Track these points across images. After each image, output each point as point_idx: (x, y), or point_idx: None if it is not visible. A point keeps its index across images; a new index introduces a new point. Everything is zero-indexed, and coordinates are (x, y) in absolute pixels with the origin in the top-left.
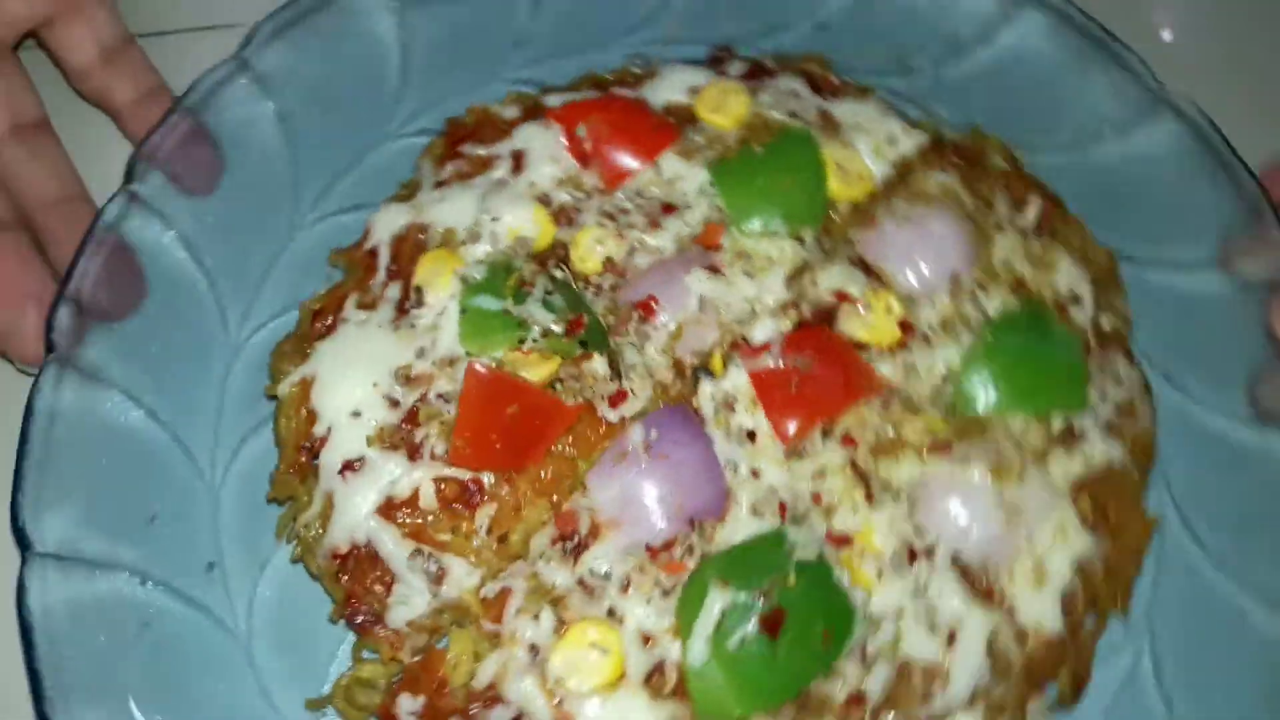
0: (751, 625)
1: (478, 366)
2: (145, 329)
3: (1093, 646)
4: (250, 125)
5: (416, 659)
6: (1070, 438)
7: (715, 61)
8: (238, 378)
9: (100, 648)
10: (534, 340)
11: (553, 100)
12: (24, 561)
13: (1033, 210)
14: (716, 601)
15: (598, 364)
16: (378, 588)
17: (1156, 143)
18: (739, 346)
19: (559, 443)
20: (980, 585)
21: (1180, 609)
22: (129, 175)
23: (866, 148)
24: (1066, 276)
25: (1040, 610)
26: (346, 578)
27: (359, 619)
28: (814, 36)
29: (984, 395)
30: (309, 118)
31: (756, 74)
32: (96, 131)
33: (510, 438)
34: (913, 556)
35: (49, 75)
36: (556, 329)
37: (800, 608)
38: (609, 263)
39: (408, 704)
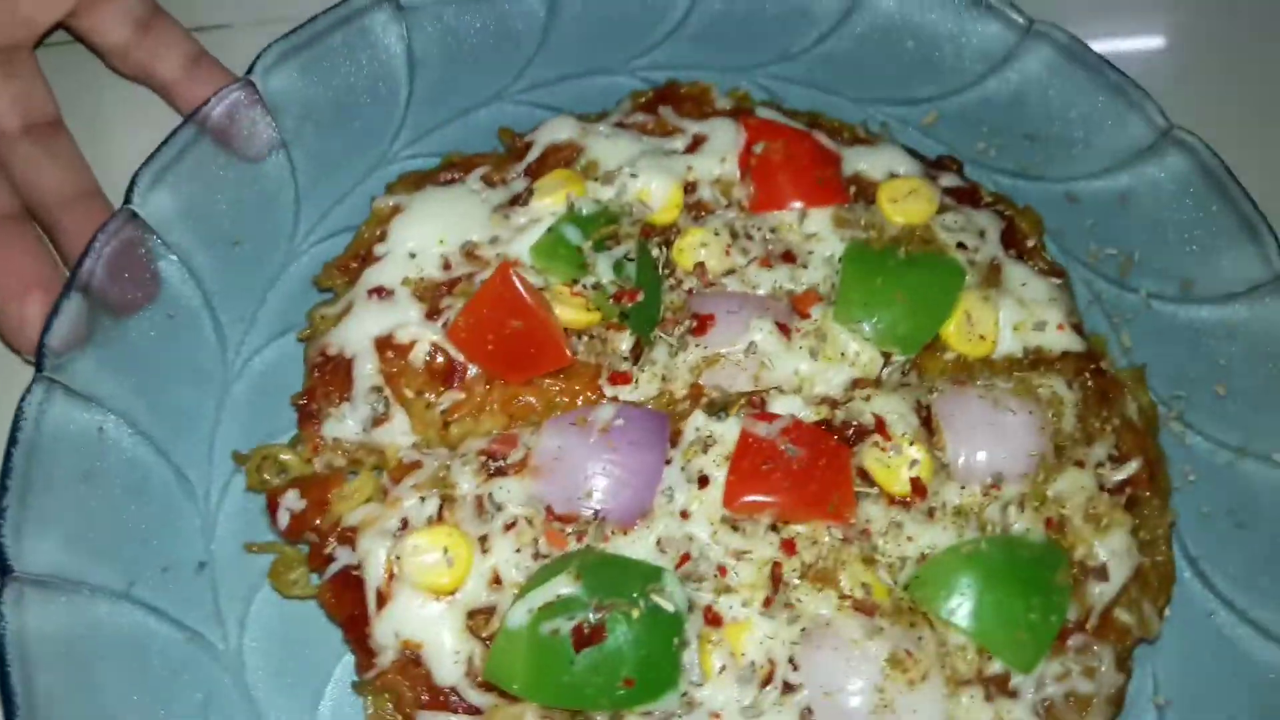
0: (568, 626)
1: (514, 271)
2: (139, 349)
3: None
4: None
5: (323, 472)
6: (997, 689)
7: (936, 164)
8: (235, 399)
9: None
10: (584, 286)
11: (763, 113)
12: (2, 585)
13: (1127, 470)
14: (560, 586)
15: (624, 340)
16: (334, 395)
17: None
18: (754, 403)
19: (547, 381)
20: None
21: (1183, 650)
22: (129, 194)
23: (1011, 318)
24: (1111, 551)
25: None
26: (318, 373)
27: (310, 408)
28: (821, 66)
29: (944, 597)
30: (313, 141)
31: (962, 196)
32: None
33: (502, 346)
34: (768, 680)
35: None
36: (609, 288)
37: (623, 643)
38: (700, 267)
39: (291, 499)
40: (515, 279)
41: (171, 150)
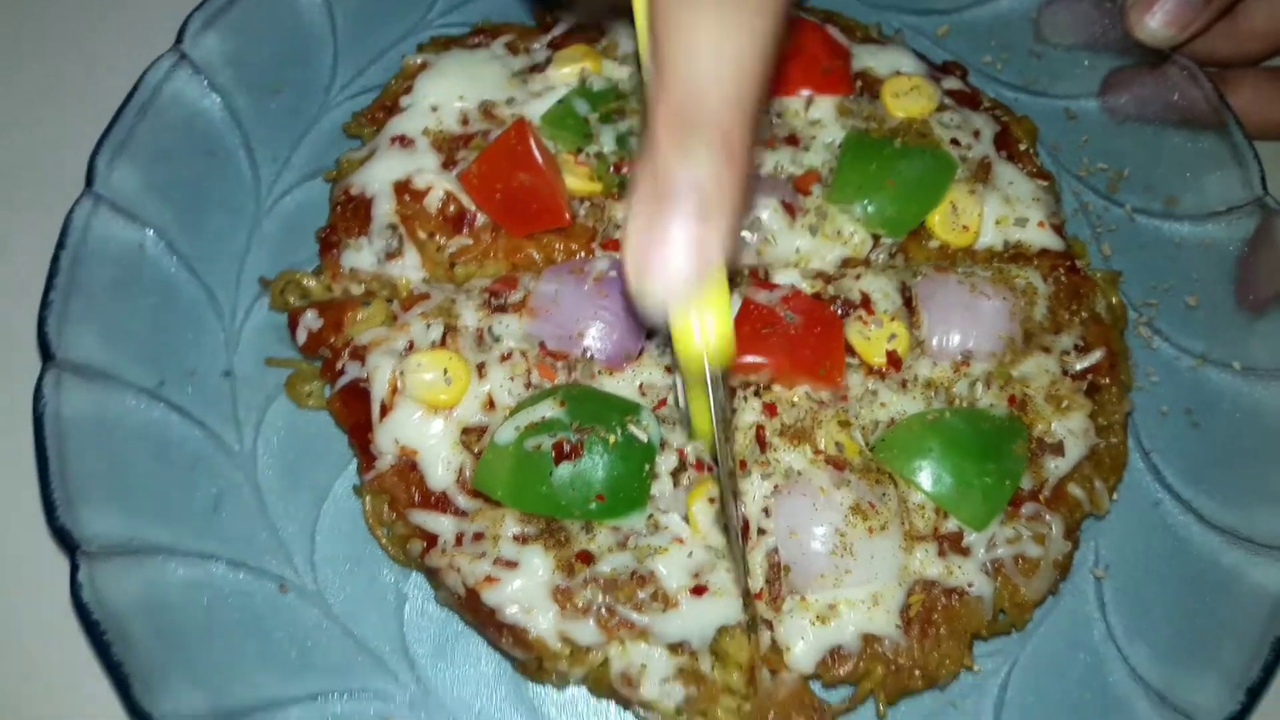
0: (549, 443)
1: (531, 132)
2: (180, 177)
3: None
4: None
5: (340, 297)
6: (951, 545)
7: (942, 69)
8: (264, 232)
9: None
10: (587, 155)
11: None
12: (44, 370)
13: (1089, 360)
14: (545, 409)
15: (620, 210)
16: (353, 230)
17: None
18: (755, 274)
19: (547, 238)
20: (774, 589)
21: (1126, 529)
22: (180, 36)
23: (995, 213)
24: (1069, 430)
25: (795, 643)
26: (340, 209)
27: (331, 239)
28: None
29: (907, 458)
30: (356, 2)
31: (963, 99)
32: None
33: (509, 197)
34: (746, 528)
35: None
36: (610, 158)
37: (598, 463)
38: None
39: (310, 319)
40: (530, 136)
41: None
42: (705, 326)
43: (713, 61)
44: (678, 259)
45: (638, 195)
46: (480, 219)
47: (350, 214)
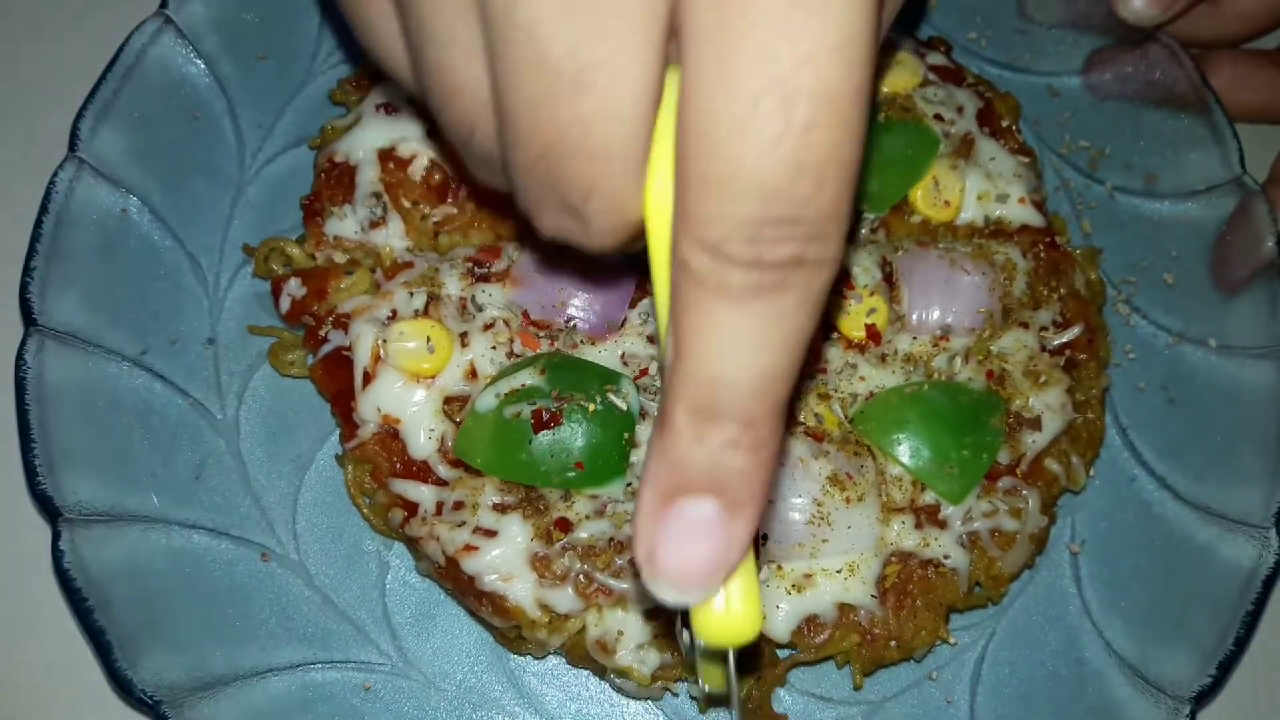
0: (529, 410)
1: None
2: (164, 143)
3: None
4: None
5: (323, 265)
6: (928, 518)
7: (926, 44)
8: (248, 199)
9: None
10: None
11: None
12: (25, 336)
13: (1066, 335)
14: (525, 377)
15: None
16: (337, 198)
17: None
18: None
19: None
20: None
21: (1102, 505)
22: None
23: (976, 188)
24: (1046, 405)
25: (771, 611)
26: (324, 176)
27: (315, 207)
28: None
29: (885, 430)
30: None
31: (947, 75)
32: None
33: None
34: None
35: None
36: None
37: (577, 432)
38: None
39: (294, 286)
40: None
41: None
42: (732, 606)
43: (743, 350)
44: (698, 559)
45: (650, 479)
46: (464, 192)
47: (334, 181)
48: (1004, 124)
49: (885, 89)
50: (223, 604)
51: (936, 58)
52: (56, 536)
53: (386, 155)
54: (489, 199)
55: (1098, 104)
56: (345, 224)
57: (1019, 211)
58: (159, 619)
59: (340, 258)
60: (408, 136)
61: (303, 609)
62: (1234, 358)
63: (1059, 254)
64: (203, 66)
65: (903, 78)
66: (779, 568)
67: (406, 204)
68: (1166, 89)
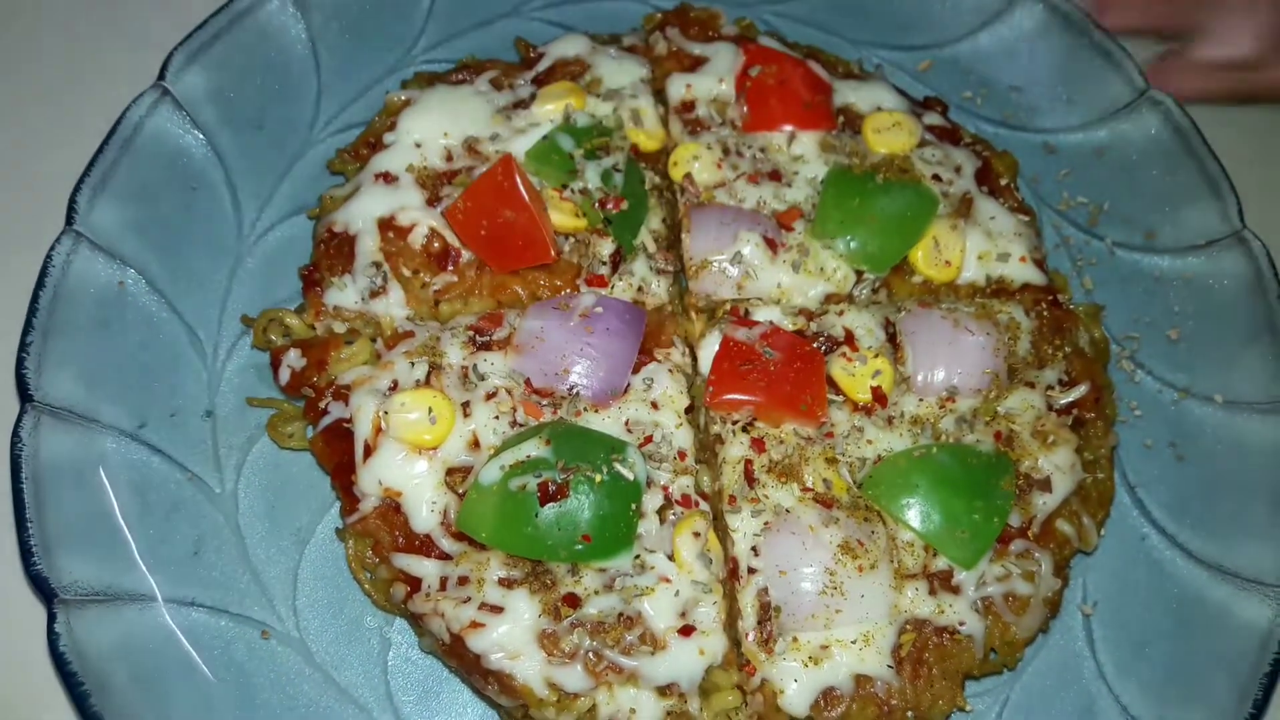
0: (534, 483)
1: (516, 169)
2: (161, 214)
3: None
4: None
5: (323, 335)
6: (941, 584)
7: (923, 104)
8: (246, 269)
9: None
10: (572, 191)
11: (765, 41)
12: (21, 412)
13: (1074, 394)
14: (530, 448)
15: (605, 246)
16: (337, 268)
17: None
18: (735, 311)
19: (532, 274)
20: (764, 630)
21: (1113, 565)
22: (163, 72)
23: (977, 248)
24: (1056, 466)
25: (788, 685)
26: (324, 246)
27: (315, 277)
28: (823, 7)
29: (895, 495)
30: (339, 40)
31: (944, 135)
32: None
33: (494, 234)
34: (735, 568)
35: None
36: (595, 194)
37: (584, 503)
38: (689, 179)
39: (293, 357)
40: (516, 172)
41: (207, 33)
42: None
43: None
44: None
45: None
46: (465, 256)
47: (334, 251)
48: (1002, 182)
49: (882, 150)
50: (222, 683)
51: (933, 118)
52: (52, 618)
53: (386, 224)
54: (490, 261)
55: (1095, 159)
56: (345, 294)
57: (1020, 270)
58: (157, 701)
59: (340, 328)
60: (407, 205)
61: (304, 688)
62: (1241, 413)
63: (1062, 312)
64: (200, 137)
65: (900, 139)
66: (794, 640)
67: (407, 272)
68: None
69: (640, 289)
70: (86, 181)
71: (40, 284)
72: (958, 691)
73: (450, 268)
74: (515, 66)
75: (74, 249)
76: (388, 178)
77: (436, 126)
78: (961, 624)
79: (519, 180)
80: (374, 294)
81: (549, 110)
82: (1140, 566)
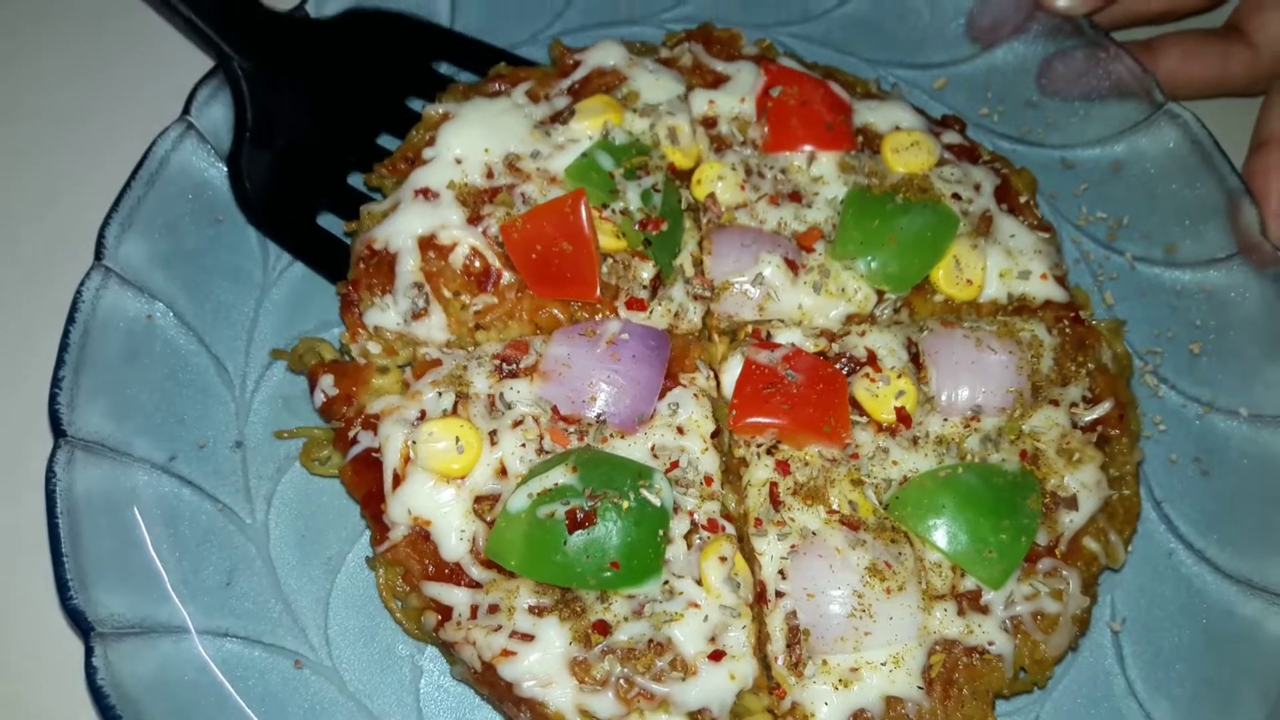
0: (562, 511)
1: (585, 204)
2: (188, 248)
3: None
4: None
5: (360, 361)
6: (970, 604)
7: (941, 123)
8: (273, 301)
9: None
10: (612, 211)
11: (785, 62)
12: (55, 448)
13: (1098, 411)
14: (557, 475)
15: (645, 269)
16: (376, 288)
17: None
18: (757, 334)
19: (572, 304)
20: (793, 653)
21: (1141, 581)
22: (188, 106)
23: (998, 266)
24: (1082, 484)
25: (819, 709)
26: (363, 265)
27: (353, 297)
28: (840, 27)
29: (921, 516)
30: None
31: (962, 153)
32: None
33: (545, 259)
34: (763, 591)
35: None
36: (635, 215)
37: (612, 530)
38: (712, 198)
39: (327, 382)
40: (584, 208)
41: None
42: None
43: None
44: None
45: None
46: (506, 277)
47: (373, 270)
48: (1022, 199)
49: (901, 170)
50: (257, 714)
51: (951, 136)
52: (89, 652)
53: (427, 243)
54: (532, 285)
55: (1113, 175)
56: (387, 315)
57: (1041, 287)
58: None
59: (375, 349)
60: (448, 223)
61: (338, 716)
62: (1266, 426)
63: (1084, 329)
64: (224, 169)
65: (919, 158)
66: (824, 662)
67: (448, 294)
68: (1115, 83)
69: (677, 314)
70: (114, 216)
71: (71, 319)
72: (989, 711)
73: (490, 289)
74: (550, 74)
75: (103, 284)
76: (428, 194)
77: (476, 142)
78: (991, 644)
79: (584, 216)
80: (416, 316)
81: (586, 127)
82: (1168, 582)
